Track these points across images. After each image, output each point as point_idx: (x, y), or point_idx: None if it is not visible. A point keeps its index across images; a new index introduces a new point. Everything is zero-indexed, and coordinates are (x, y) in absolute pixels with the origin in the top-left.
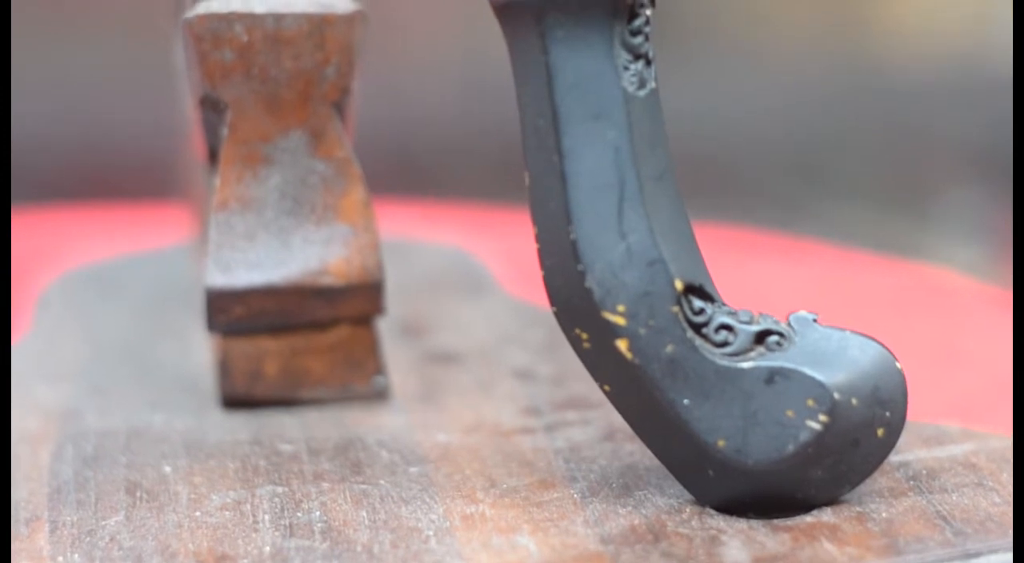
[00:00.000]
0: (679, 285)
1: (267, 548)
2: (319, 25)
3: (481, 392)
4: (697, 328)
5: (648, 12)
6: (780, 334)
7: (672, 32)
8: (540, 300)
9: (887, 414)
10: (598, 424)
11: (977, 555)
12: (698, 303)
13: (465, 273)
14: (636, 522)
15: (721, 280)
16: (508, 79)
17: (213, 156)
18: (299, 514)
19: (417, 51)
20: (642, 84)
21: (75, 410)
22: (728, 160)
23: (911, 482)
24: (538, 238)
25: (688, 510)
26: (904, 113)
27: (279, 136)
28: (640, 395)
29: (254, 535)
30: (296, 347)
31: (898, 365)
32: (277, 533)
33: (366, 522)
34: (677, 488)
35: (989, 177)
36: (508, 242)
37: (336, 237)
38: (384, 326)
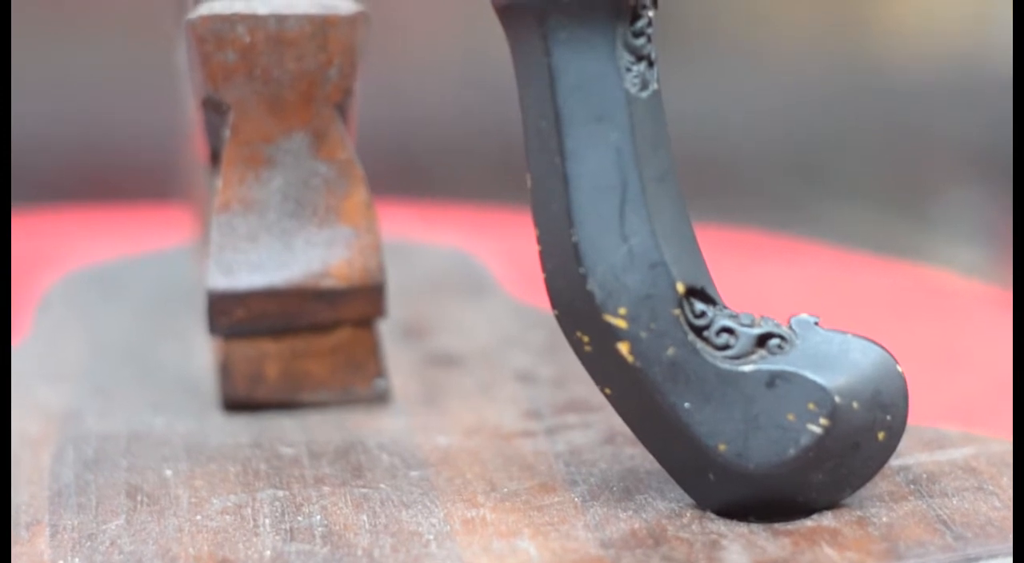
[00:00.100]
0: (681, 288)
1: (268, 552)
2: (322, 26)
3: (482, 395)
4: (698, 331)
5: (650, 14)
6: (781, 337)
7: (673, 33)
8: (541, 302)
9: (888, 418)
10: (599, 427)
11: (977, 559)
12: (699, 306)
13: (466, 275)
14: (637, 526)
15: (722, 282)
16: (510, 80)
17: (215, 158)
18: (300, 518)
19: (419, 52)
20: (644, 86)
21: (76, 412)
22: (728, 161)
23: (911, 486)
24: (540, 240)
25: (689, 514)
26: (904, 113)
27: (281, 137)
28: (641, 398)
29: (255, 539)
30: (297, 350)
31: (899, 369)
32: (278, 537)
33: (367, 526)
34: (678, 492)
35: (989, 177)
36: (509, 243)
37: (338, 239)
38: (385, 328)
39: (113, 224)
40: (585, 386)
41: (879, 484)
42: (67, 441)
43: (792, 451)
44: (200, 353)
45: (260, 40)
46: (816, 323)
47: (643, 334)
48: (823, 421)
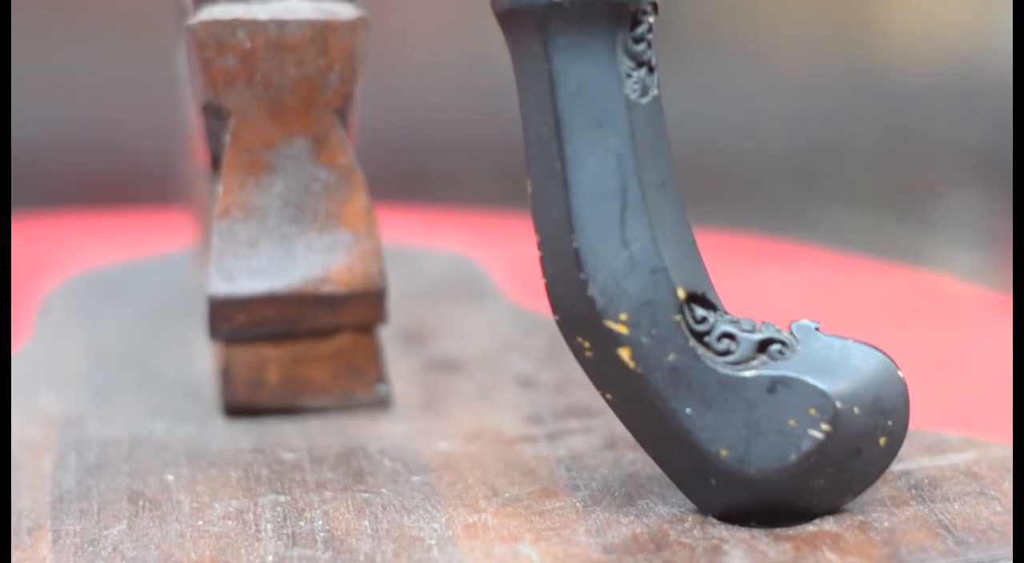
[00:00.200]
0: (681, 293)
1: (270, 557)
2: (322, 32)
3: (483, 400)
4: (699, 337)
5: (650, 19)
6: (782, 343)
7: (673, 38)
8: (542, 307)
9: (889, 423)
10: (600, 432)
11: None
12: (700, 312)
13: (467, 280)
14: (638, 531)
15: (723, 287)
16: (510, 85)
17: (216, 163)
18: (301, 523)
19: (419, 57)
20: (644, 91)
21: (77, 417)
22: (729, 166)
23: (913, 491)
24: (540, 246)
25: (690, 519)
26: (904, 117)
27: (282, 143)
28: (642, 404)
29: (256, 544)
30: (298, 355)
31: (900, 374)
32: (280, 542)
33: (368, 531)
34: (679, 497)
35: (989, 181)
36: (510, 248)
37: (339, 244)
38: (386, 333)
39: (114, 229)
40: (586, 391)
41: (881, 489)
42: (68, 446)
43: (793, 456)
44: (201, 358)
45: (260, 45)
46: (817, 328)
47: (644, 340)
48: (824, 426)
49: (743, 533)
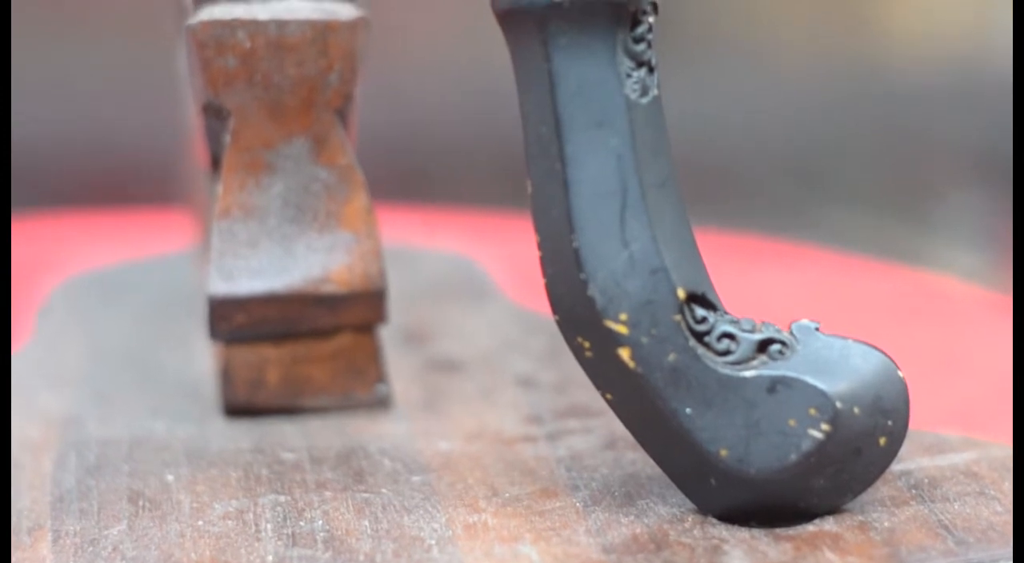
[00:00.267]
0: (681, 293)
1: (270, 557)
2: (322, 32)
3: (483, 400)
4: (699, 337)
5: (651, 19)
6: (782, 343)
7: (673, 38)
8: (542, 307)
9: (889, 423)
10: (600, 432)
11: None
12: (700, 312)
13: (467, 280)
14: (638, 531)
15: (723, 287)
16: (510, 86)
17: (216, 163)
18: (302, 523)
19: (419, 57)
20: (644, 91)
21: (77, 417)
22: (729, 165)
23: (913, 491)
24: (540, 246)
25: (690, 519)
26: (904, 117)
27: (282, 143)
28: (642, 404)
29: (256, 544)
30: (298, 355)
31: (900, 374)
32: (280, 542)
33: (368, 531)
34: (679, 497)
35: (989, 181)
36: (510, 248)
37: (339, 244)
38: (386, 333)
39: (114, 229)
40: (586, 391)
41: (880, 489)
42: (68, 446)
43: (793, 456)
44: (201, 358)
45: (261, 45)
46: (817, 328)
47: (644, 340)
48: (824, 426)
49: (743, 533)
